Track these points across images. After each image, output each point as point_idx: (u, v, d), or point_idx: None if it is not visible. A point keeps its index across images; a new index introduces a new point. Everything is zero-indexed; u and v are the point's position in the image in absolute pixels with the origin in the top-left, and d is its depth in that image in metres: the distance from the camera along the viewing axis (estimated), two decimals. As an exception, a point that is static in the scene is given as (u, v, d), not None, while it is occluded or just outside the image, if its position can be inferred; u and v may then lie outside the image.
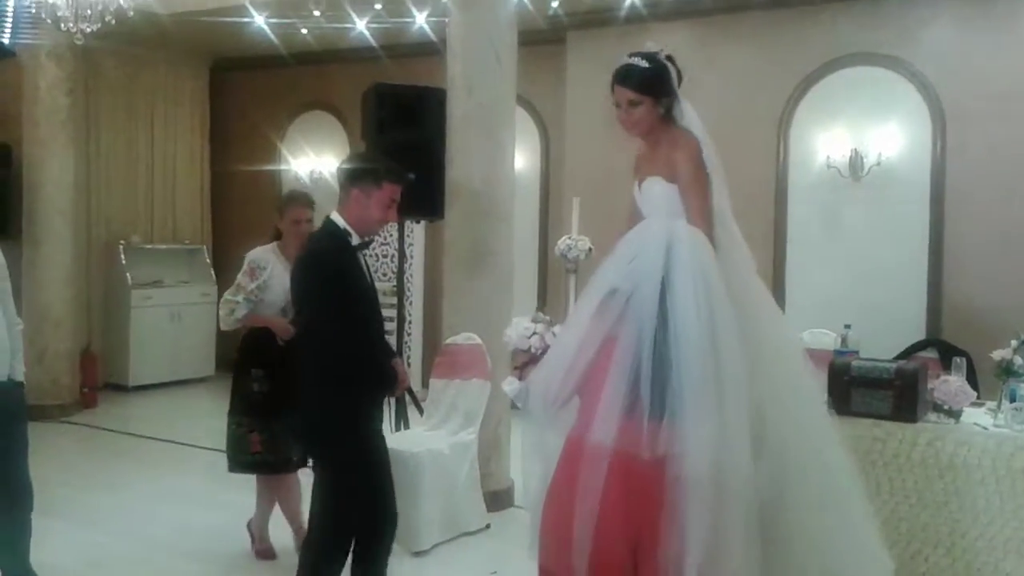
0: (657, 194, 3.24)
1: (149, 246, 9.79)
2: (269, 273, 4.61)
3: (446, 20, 6.04)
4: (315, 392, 3.53)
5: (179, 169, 10.31)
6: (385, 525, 3.68)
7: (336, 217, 3.60)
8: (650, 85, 3.20)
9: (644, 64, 3.22)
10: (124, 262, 9.43)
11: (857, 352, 4.71)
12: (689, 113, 3.27)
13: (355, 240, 3.59)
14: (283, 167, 10.24)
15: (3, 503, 3.94)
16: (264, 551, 4.82)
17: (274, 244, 4.75)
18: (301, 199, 4.82)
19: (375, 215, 3.59)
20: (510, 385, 3.13)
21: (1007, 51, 6.60)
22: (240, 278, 4.65)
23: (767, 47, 7.37)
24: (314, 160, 10.06)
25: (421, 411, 5.55)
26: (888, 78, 7.00)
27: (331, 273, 3.49)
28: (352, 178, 3.61)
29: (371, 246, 3.73)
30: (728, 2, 7.34)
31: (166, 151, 10.17)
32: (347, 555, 3.68)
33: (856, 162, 7.06)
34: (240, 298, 4.62)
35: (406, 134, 5.90)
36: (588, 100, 7.71)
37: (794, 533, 2.87)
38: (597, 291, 2.58)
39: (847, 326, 5.01)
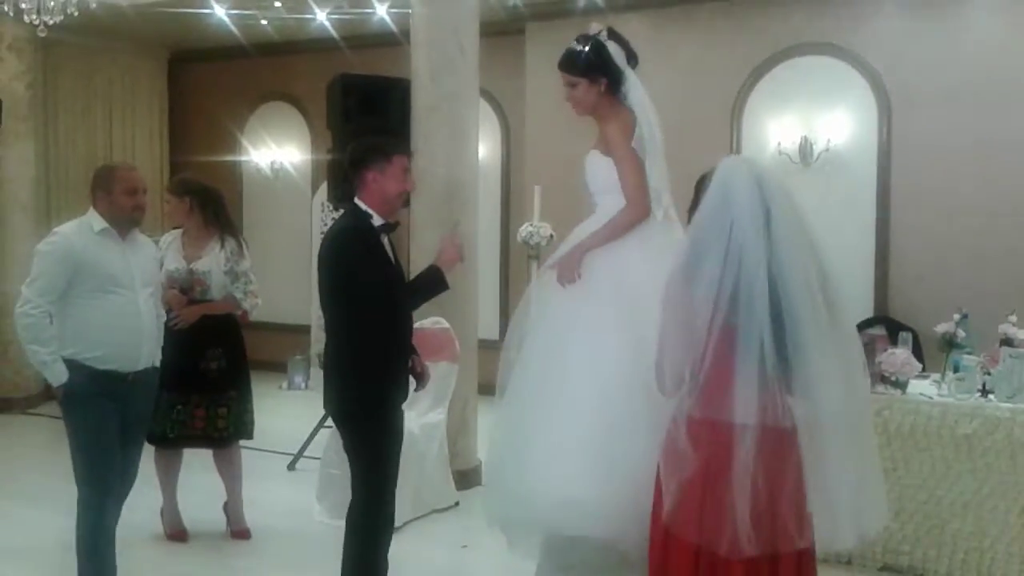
0: (594, 166, 3.43)
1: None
2: None
3: (408, 12, 6.16)
4: (336, 372, 3.66)
5: (137, 160, 10.19)
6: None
7: (358, 202, 3.65)
8: (584, 67, 3.39)
9: (579, 47, 3.41)
10: (85, 254, 9.38)
11: (809, 329, 4.94)
12: (636, 91, 3.42)
13: (377, 221, 3.62)
14: (244, 158, 10.27)
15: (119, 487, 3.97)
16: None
17: None
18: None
19: (392, 189, 3.62)
20: None
21: (952, 41, 6.86)
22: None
23: (720, 37, 7.58)
24: (275, 151, 10.12)
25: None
26: (837, 67, 7.24)
27: (351, 255, 3.54)
28: (362, 162, 3.64)
29: (396, 228, 3.76)
30: (683, -7, 7.54)
31: (124, 143, 10.11)
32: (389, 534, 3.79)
33: (806, 148, 7.30)
34: None
35: (371, 123, 6.01)
36: (548, 90, 7.84)
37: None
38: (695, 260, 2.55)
39: (800, 305, 5.25)
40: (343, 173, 5.95)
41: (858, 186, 7.19)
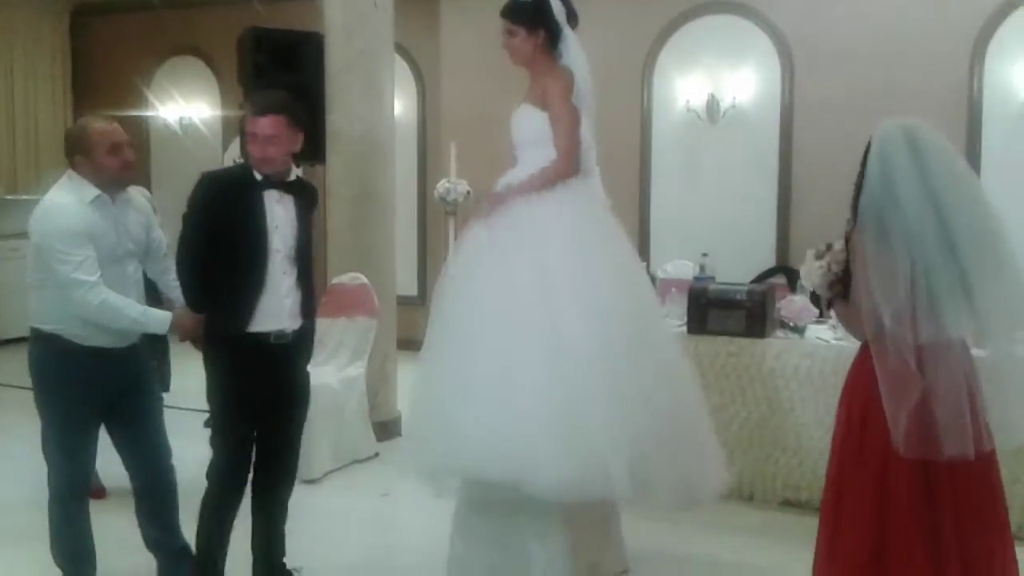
0: (527, 119, 3.47)
1: (11, 197, 9.48)
2: None
3: (320, -35, 6.11)
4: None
5: (41, 117, 9.99)
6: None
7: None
8: (524, 17, 3.46)
9: None
10: (-12, 213, 9.12)
11: (713, 278, 5.17)
12: (573, 49, 3.51)
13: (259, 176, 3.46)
14: (151, 113, 10.05)
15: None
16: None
17: None
18: None
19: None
20: None
21: (850, 2, 7.13)
22: None
23: (630, -3, 7.71)
24: (184, 106, 9.93)
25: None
26: (742, 26, 7.45)
27: (196, 199, 3.54)
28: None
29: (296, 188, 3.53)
30: (593, -48, 7.62)
31: (27, 99, 9.84)
32: (236, 488, 3.67)
33: (713, 106, 7.52)
34: None
35: (284, 78, 5.94)
36: (463, 46, 7.90)
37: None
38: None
39: (704, 255, 5.47)
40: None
41: (762, 142, 7.45)
